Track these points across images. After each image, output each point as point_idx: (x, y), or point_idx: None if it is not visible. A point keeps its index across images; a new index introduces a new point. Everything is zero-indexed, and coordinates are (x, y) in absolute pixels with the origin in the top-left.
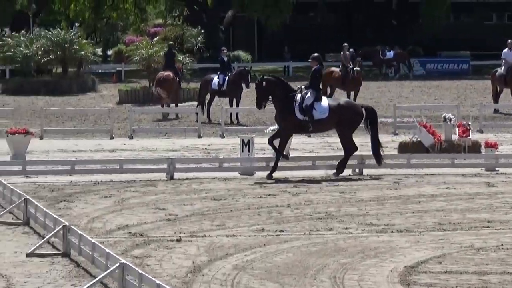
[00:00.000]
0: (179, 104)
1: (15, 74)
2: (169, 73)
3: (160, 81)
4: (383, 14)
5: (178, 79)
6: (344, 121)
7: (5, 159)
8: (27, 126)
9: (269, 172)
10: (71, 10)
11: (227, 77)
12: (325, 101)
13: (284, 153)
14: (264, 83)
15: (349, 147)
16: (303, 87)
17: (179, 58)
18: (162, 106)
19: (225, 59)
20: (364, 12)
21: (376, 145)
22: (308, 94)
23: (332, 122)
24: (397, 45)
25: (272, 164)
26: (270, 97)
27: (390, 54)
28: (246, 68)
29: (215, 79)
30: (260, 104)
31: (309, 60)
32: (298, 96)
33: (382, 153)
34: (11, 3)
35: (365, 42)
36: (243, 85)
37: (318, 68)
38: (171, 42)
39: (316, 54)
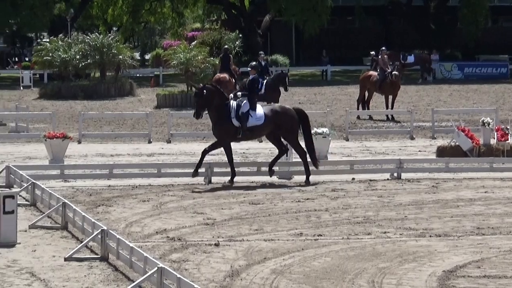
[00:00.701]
0: None
1: (53, 79)
2: (225, 75)
3: (218, 83)
4: (421, 18)
5: (234, 81)
6: (283, 126)
7: (44, 163)
8: (65, 130)
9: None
10: (109, 14)
11: (265, 81)
12: (260, 109)
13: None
14: (205, 91)
15: (301, 151)
16: (238, 93)
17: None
18: None
19: (263, 63)
20: (402, 16)
21: (312, 148)
22: (244, 102)
23: (268, 128)
24: (417, 49)
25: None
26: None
27: (410, 58)
28: (284, 72)
29: None
30: (199, 113)
31: (248, 68)
32: (233, 104)
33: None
34: (49, 8)
35: (404, 46)
36: (281, 89)
37: (256, 77)
38: (226, 46)
39: (254, 63)
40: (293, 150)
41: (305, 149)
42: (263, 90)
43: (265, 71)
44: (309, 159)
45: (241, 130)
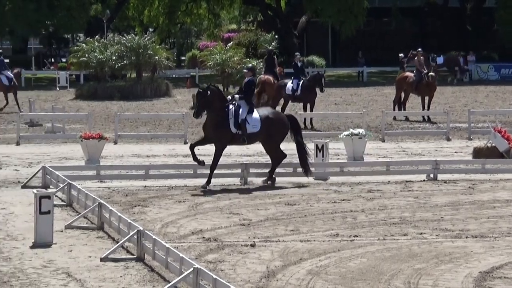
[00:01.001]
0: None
1: (90, 80)
2: (269, 77)
3: (262, 84)
4: (457, 19)
5: (277, 81)
6: (274, 132)
7: (80, 164)
8: (101, 131)
9: (206, 181)
10: (145, 15)
11: (301, 82)
12: (256, 114)
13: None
14: (208, 92)
15: (277, 156)
16: (236, 96)
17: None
18: None
19: (299, 64)
20: (438, 17)
21: (304, 154)
22: (242, 107)
23: (263, 134)
24: (454, 51)
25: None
26: None
27: (439, 60)
28: (320, 73)
29: (289, 84)
30: (199, 113)
31: (244, 70)
32: (231, 108)
33: (309, 161)
34: (85, 9)
35: (441, 47)
36: (318, 90)
37: (252, 79)
38: (271, 47)
39: (250, 65)
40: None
41: (283, 154)
42: (299, 91)
43: (301, 72)
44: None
45: (243, 137)
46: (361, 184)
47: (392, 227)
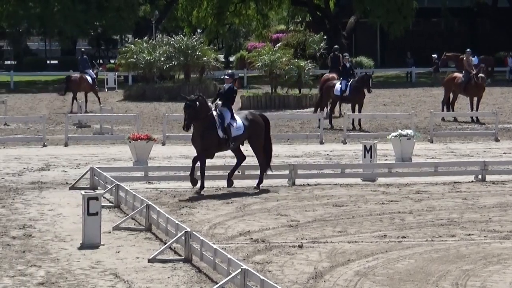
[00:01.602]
0: (302, 110)
1: (138, 81)
2: (334, 75)
3: (326, 83)
4: (507, 19)
5: None
6: (254, 134)
7: (128, 165)
8: (149, 132)
9: (200, 186)
10: (194, 16)
11: (350, 83)
12: (239, 119)
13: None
14: (197, 103)
15: (243, 156)
16: (219, 103)
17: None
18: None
19: (347, 64)
20: (488, 18)
21: (270, 154)
22: (225, 113)
23: (245, 137)
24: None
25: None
26: None
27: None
28: (368, 74)
29: (338, 85)
30: (189, 125)
31: (224, 76)
32: (215, 115)
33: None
34: (134, 10)
35: (490, 48)
36: (366, 91)
37: (232, 86)
38: (336, 46)
39: (230, 71)
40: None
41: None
42: (347, 92)
43: (350, 72)
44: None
45: (229, 141)
46: (409, 185)
47: (440, 228)
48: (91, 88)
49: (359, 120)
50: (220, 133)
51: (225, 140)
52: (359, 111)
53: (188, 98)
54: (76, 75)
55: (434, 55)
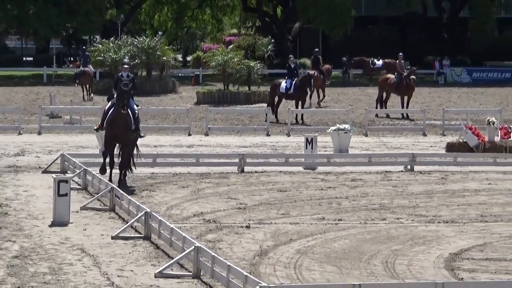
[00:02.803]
0: (251, 106)
1: (105, 77)
2: (314, 71)
3: (308, 78)
4: (435, 27)
5: (322, 76)
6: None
7: (94, 152)
8: None
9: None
10: (155, 20)
11: (294, 82)
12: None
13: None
14: (131, 83)
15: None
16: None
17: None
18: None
19: (292, 65)
20: (418, 25)
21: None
22: (132, 104)
23: None
24: (431, 56)
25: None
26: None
27: (379, 64)
28: (310, 74)
29: (283, 84)
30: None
31: (123, 66)
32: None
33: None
34: (101, 13)
35: (419, 52)
36: (308, 89)
37: (130, 74)
38: (316, 49)
39: (127, 59)
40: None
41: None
42: (292, 90)
43: (295, 73)
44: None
45: (139, 131)
46: (346, 174)
47: (372, 212)
48: (89, 80)
49: (302, 115)
50: (133, 127)
51: (136, 129)
52: (302, 107)
53: (123, 78)
54: (86, 69)
55: (344, 58)
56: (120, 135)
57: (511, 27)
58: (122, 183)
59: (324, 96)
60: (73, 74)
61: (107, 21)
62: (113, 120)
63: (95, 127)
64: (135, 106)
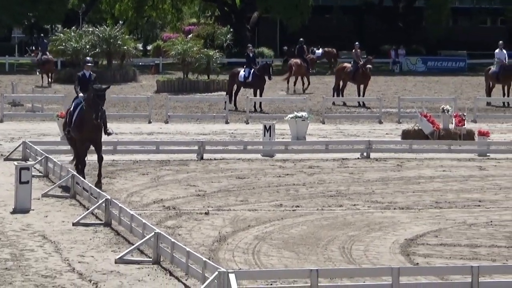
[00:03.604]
0: (210, 94)
1: (66, 65)
2: (297, 60)
3: (290, 66)
4: (391, 17)
5: (306, 65)
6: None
7: (56, 140)
8: None
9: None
10: (116, 9)
11: (252, 71)
12: None
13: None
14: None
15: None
16: (80, 95)
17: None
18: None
19: (251, 54)
20: (374, 15)
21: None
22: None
23: None
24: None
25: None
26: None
27: (318, 53)
28: (268, 63)
29: (242, 72)
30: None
31: (86, 64)
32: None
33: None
34: (63, 2)
35: (376, 42)
36: (266, 77)
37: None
38: (301, 39)
39: (89, 58)
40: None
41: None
42: (250, 79)
43: (253, 61)
44: None
45: (107, 129)
46: (303, 161)
47: (329, 199)
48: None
49: (260, 103)
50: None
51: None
52: (260, 96)
53: (98, 88)
54: (49, 57)
55: (285, 47)
56: (93, 137)
57: (465, 17)
58: (100, 179)
59: (308, 83)
60: (36, 62)
61: (68, 10)
62: (83, 123)
63: (65, 133)
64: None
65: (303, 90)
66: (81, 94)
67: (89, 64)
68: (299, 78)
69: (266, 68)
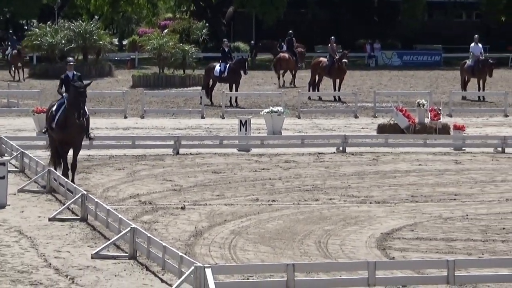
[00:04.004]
0: (186, 89)
1: (42, 61)
2: (285, 55)
3: (279, 60)
4: (366, 11)
5: (295, 59)
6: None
7: (32, 135)
8: None
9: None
10: (91, 4)
11: (228, 65)
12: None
13: None
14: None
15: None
16: (64, 95)
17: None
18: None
19: (226, 49)
20: (349, 9)
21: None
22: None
23: None
24: (363, 39)
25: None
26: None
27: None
28: (244, 57)
29: (217, 67)
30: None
31: (68, 64)
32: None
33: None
34: None
35: (351, 36)
36: (242, 72)
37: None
38: (291, 31)
39: (71, 58)
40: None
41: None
42: (226, 73)
43: (229, 56)
44: None
45: (89, 133)
46: (279, 155)
47: (305, 193)
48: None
49: (236, 98)
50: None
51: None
52: (236, 90)
53: (78, 85)
54: (16, 51)
55: (252, 42)
56: (75, 139)
57: (441, 11)
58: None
59: (294, 77)
60: (6, 57)
61: (44, 5)
62: (65, 124)
63: (43, 130)
64: (85, 108)
65: (290, 83)
66: (65, 94)
67: (72, 64)
68: (288, 72)
69: (242, 63)
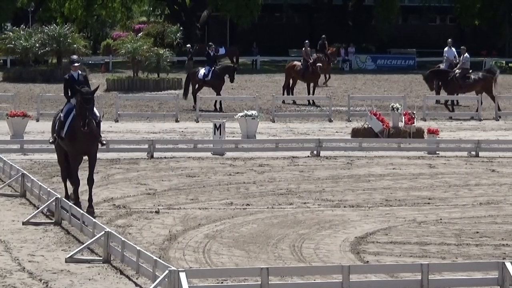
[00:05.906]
0: (160, 92)
1: (15, 64)
2: (320, 55)
3: (315, 60)
4: (340, 15)
5: (328, 60)
6: None
7: (5, 139)
8: (25, 109)
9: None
10: (65, 8)
11: (213, 69)
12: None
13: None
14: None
15: None
16: (72, 100)
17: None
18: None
19: (211, 53)
20: (324, 13)
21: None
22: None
23: None
24: (337, 43)
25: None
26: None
27: (222, 51)
28: (234, 66)
29: (202, 71)
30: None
31: (73, 64)
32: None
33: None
34: (12, 1)
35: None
36: (229, 79)
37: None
38: (323, 36)
39: (75, 56)
40: None
41: None
42: (210, 77)
43: (213, 60)
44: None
45: (101, 139)
46: (253, 159)
47: (279, 197)
48: None
49: (220, 102)
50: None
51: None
52: (218, 94)
53: (84, 91)
54: None
55: (188, 45)
56: (87, 149)
57: (415, 15)
58: (91, 204)
59: (329, 77)
60: None
61: (18, 8)
62: (76, 133)
63: (50, 140)
64: (96, 112)
65: (323, 83)
66: (73, 99)
67: (76, 64)
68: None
69: (231, 71)
